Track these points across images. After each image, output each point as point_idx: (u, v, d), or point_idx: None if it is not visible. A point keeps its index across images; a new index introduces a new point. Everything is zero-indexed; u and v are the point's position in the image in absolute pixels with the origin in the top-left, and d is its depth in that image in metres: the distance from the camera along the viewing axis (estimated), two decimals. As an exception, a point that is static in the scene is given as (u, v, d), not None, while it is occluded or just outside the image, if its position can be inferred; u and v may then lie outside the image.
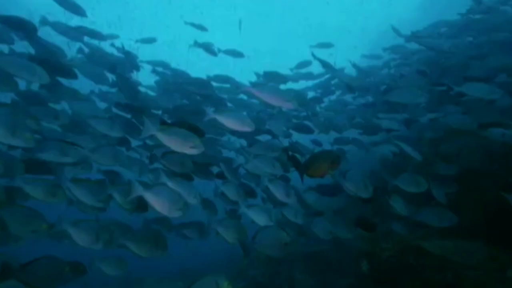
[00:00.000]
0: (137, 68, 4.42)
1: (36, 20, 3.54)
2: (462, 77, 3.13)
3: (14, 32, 3.42)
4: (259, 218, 2.81)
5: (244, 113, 3.53)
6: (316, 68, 5.07)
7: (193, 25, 6.05)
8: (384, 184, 3.25)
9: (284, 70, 4.96)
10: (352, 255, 3.76)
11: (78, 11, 4.27)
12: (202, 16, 13.70)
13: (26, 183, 2.53)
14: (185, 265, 6.85)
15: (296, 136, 4.05)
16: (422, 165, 3.56)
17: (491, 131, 3.13)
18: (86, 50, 4.13)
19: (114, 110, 3.70)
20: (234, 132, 4.02)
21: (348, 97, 5.21)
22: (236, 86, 2.74)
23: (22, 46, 3.59)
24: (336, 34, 12.44)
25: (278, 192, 2.86)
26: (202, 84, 3.83)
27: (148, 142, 3.73)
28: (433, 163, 3.39)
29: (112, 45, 4.70)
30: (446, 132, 3.44)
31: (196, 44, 5.45)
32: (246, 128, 2.70)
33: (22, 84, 3.42)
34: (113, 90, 4.09)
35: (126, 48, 4.34)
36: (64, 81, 3.53)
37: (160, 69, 4.93)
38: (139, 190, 2.43)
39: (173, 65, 5.16)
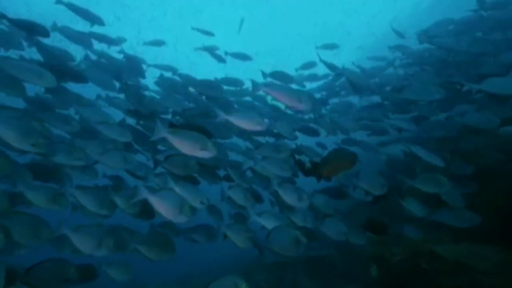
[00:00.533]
0: (143, 75, 4.34)
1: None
2: (476, 75, 2.96)
3: (27, 35, 3.36)
4: (271, 225, 2.68)
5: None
6: (320, 69, 4.94)
7: (199, 30, 5.97)
8: (395, 184, 3.09)
9: (286, 71, 4.81)
10: (360, 259, 3.57)
11: (96, 20, 4.25)
12: (201, 17, 13.44)
13: (29, 190, 2.45)
14: (188, 270, 6.69)
15: (300, 139, 3.91)
16: (432, 166, 3.37)
17: (509, 129, 2.93)
18: (92, 56, 4.07)
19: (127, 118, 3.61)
20: (240, 135, 3.92)
21: (353, 99, 5.06)
22: (254, 85, 2.64)
23: (30, 52, 3.55)
24: (340, 34, 12.19)
25: (288, 196, 2.72)
26: (212, 86, 3.74)
27: (160, 147, 3.63)
28: (448, 162, 3.17)
29: (121, 51, 4.65)
30: (459, 131, 3.25)
31: (203, 48, 5.36)
32: (258, 127, 2.58)
33: (31, 89, 3.38)
34: (121, 95, 4.02)
35: (131, 51, 4.27)
36: (66, 85, 3.46)
37: (168, 73, 4.85)
38: (143, 194, 2.33)
39: (176, 66, 5.08)
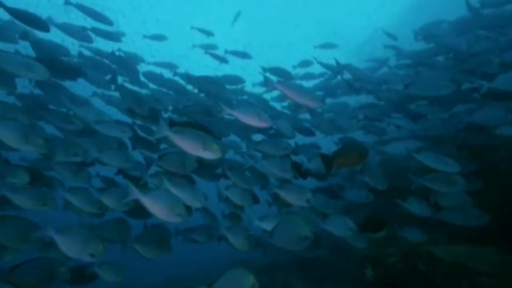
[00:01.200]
0: (137, 77, 4.08)
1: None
2: (481, 73, 2.75)
3: (27, 28, 3.11)
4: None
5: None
6: (317, 68, 4.71)
7: (200, 30, 5.70)
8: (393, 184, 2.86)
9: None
10: (354, 260, 3.34)
11: (104, 20, 4.03)
12: (195, 9, 12.85)
13: (13, 193, 2.21)
14: (177, 272, 6.43)
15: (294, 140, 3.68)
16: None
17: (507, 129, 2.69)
18: (87, 53, 3.81)
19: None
20: (238, 133, 3.69)
21: (349, 99, 4.83)
22: (266, 81, 2.44)
23: (26, 46, 3.29)
24: (339, 33, 11.77)
25: (291, 196, 2.49)
26: (213, 82, 3.55)
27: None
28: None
29: (119, 50, 4.38)
30: (458, 129, 3.02)
31: (205, 51, 5.08)
32: (263, 124, 2.38)
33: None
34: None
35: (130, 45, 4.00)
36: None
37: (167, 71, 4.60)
38: (135, 194, 2.10)
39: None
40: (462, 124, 2.77)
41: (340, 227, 2.55)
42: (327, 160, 2.25)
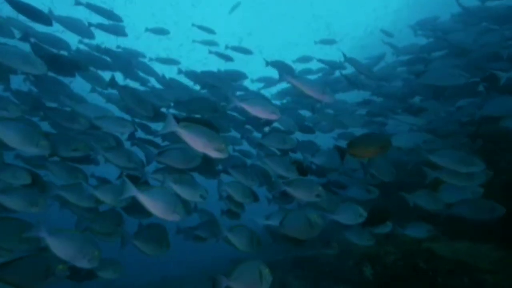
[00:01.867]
0: (134, 75, 3.89)
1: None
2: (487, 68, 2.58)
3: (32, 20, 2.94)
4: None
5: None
6: (315, 64, 4.54)
7: (201, 28, 5.49)
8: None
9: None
10: (352, 259, 3.18)
11: (115, 18, 3.88)
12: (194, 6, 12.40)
13: (3, 194, 2.07)
14: (170, 272, 6.24)
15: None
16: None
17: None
18: (85, 48, 3.62)
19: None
20: (238, 129, 3.54)
21: (347, 96, 4.66)
22: (280, 75, 2.31)
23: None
24: (337, 29, 11.47)
25: (302, 193, 2.34)
26: (218, 78, 3.43)
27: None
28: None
29: (118, 47, 4.19)
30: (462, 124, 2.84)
31: (209, 52, 4.89)
32: (273, 116, 2.26)
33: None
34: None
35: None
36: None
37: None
38: (131, 191, 1.95)
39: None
40: (474, 116, 2.56)
41: (349, 215, 2.37)
42: (343, 151, 2.13)
